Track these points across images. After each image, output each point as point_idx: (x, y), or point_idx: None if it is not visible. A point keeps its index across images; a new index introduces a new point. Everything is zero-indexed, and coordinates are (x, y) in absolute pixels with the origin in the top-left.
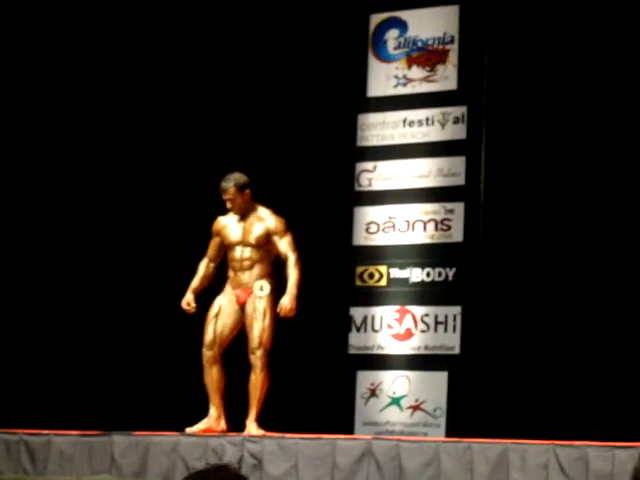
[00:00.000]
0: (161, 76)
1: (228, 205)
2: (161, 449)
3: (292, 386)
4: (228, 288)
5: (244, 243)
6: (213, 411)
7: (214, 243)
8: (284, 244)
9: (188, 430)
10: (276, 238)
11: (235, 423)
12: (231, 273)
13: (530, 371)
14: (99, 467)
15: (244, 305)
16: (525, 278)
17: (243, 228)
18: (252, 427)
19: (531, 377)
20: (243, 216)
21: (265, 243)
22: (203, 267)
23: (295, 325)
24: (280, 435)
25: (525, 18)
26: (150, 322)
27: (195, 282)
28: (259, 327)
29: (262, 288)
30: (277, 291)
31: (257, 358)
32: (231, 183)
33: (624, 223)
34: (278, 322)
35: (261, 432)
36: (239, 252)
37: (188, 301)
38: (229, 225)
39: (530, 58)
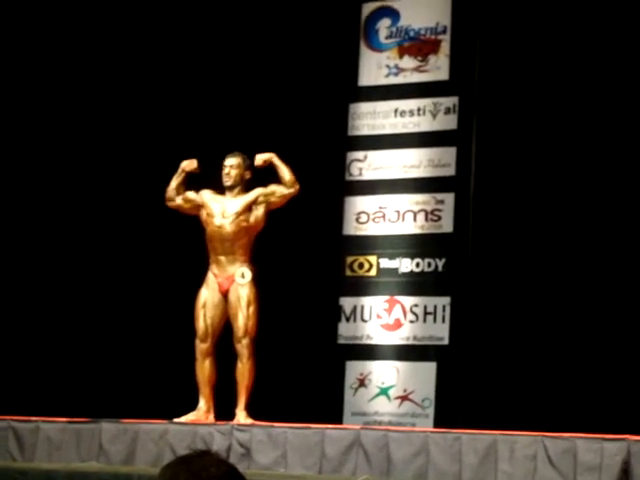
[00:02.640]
0: (152, 65)
1: (225, 177)
2: (149, 437)
3: (282, 376)
4: (210, 277)
5: (223, 215)
6: (203, 404)
7: (192, 193)
8: (273, 185)
9: (176, 421)
10: (264, 191)
11: (224, 412)
12: (212, 257)
13: (519, 362)
14: (87, 454)
15: (227, 293)
16: (514, 269)
17: (226, 201)
18: (241, 416)
19: (520, 368)
20: (231, 194)
21: (244, 211)
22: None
23: (285, 314)
24: (269, 424)
25: (517, 9)
26: (139, 311)
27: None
28: (244, 316)
29: (243, 275)
30: (259, 278)
31: (243, 347)
32: (240, 156)
33: (613, 216)
34: (268, 311)
35: (250, 421)
36: (217, 223)
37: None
38: (215, 199)
39: (522, 49)
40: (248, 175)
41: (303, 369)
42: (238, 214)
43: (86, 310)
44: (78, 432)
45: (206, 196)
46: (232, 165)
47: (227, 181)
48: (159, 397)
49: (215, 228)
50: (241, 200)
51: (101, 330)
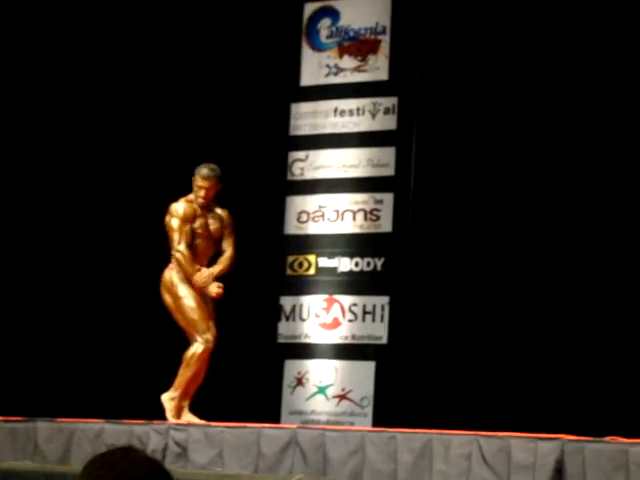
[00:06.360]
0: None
1: (201, 195)
2: (85, 436)
3: (220, 374)
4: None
5: (205, 235)
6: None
7: (188, 229)
8: (230, 240)
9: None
10: (226, 232)
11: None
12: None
13: (456, 362)
14: (22, 453)
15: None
16: (453, 269)
17: (206, 220)
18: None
19: (457, 368)
20: (207, 209)
21: (217, 235)
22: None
23: (225, 313)
24: (205, 423)
25: (457, 10)
26: (77, 308)
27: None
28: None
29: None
30: None
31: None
32: (216, 173)
33: (552, 214)
34: None
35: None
36: (205, 242)
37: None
38: (196, 216)
39: (461, 50)
40: (220, 187)
41: (241, 368)
42: (215, 236)
43: (22, 309)
44: (13, 431)
45: (192, 211)
46: (208, 186)
47: (202, 203)
48: (95, 396)
49: (201, 243)
50: (219, 219)
51: (36, 329)
